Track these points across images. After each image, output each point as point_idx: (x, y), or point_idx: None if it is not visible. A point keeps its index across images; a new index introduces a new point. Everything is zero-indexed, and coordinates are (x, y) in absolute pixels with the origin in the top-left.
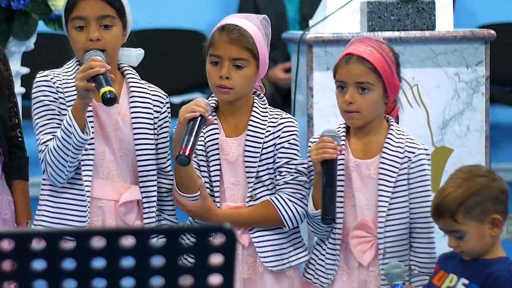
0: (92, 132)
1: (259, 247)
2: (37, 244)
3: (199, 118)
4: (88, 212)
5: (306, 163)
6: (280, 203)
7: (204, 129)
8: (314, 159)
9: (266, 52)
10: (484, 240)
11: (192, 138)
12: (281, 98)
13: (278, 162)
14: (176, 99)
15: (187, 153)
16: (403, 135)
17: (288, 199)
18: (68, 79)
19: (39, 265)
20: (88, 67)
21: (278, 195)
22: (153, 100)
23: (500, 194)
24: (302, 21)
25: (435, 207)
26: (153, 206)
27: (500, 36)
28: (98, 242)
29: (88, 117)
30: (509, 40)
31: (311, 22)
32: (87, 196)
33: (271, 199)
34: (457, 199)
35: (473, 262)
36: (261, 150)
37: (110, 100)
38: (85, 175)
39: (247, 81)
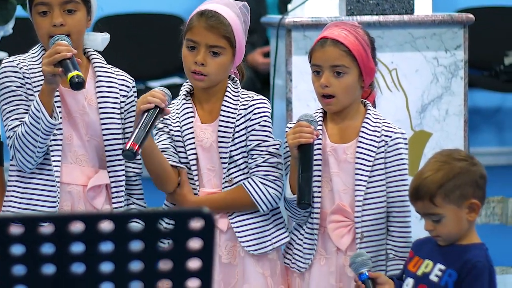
0: (60, 117)
1: (238, 231)
2: (15, 229)
3: (154, 109)
4: (58, 198)
5: (279, 144)
6: (252, 187)
7: (161, 120)
8: (290, 143)
9: (243, 40)
10: (461, 224)
11: (143, 133)
12: (261, 82)
13: (250, 145)
14: (155, 84)
15: (134, 149)
16: (380, 119)
17: (260, 182)
18: (34, 65)
19: (17, 250)
20: (54, 52)
21: (250, 178)
22: (119, 84)
23: (479, 179)
24: (281, 5)
25: (413, 189)
26: (121, 191)
27: (478, 20)
28: (76, 227)
29: (55, 102)
30: (488, 24)
31: (289, 7)
32: (56, 181)
33: (243, 183)
34: (437, 181)
35: (448, 247)
36: (233, 135)
37: (78, 85)
38: (54, 160)
39: (222, 68)
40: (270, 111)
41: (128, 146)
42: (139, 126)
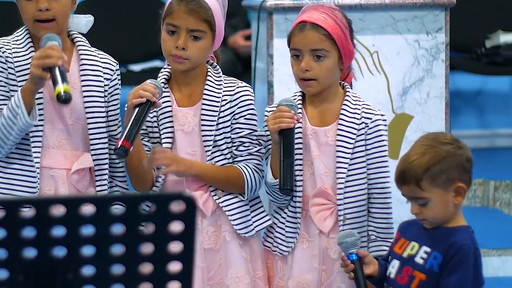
0: (42, 103)
1: (230, 214)
2: None
3: (145, 104)
4: (38, 183)
5: (265, 135)
6: (249, 173)
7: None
8: (271, 128)
9: (222, 24)
10: (447, 208)
11: (134, 129)
12: (242, 65)
13: (240, 132)
14: (136, 67)
15: (125, 147)
16: (360, 101)
17: (255, 171)
18: (18, 48)
19: None
20: (45, 55)
21: (246, 165)
22: (103, 67)
23: (465, 162)
24: None
25: (399, 173)
26: (105, 174)
27: (460, 3)
28: (58, 210)
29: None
30: (469, 7)
31: None
32: (36, 167)
33: (240, 167)
34: (423, 165)
35: (434, 230)
36: (218, 119)
37: (65, 101)
38: (34, 146)
39: (203, 52)
40: (254, 99)
41: (119, 144)
42: (131, 122)
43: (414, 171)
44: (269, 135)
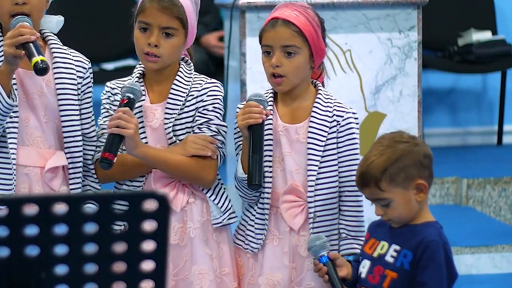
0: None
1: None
2: None
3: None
4: (14, 180)
5: (226, 126)
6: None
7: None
8: (240, 124)
9: (195, 21)
10: (410, 206)
11: (116, 138)
12: (215, 65)
13: (199, 120)
14: (109, 66)
15: (109, 159)
16: (331, 99)
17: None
18: None
19: None
20: (17, 33)
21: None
22: (76, 66)
23: (423, 158)
24: None
25: (359, 176)
26: (79, 172)
27: (432, 1)
28: (30, 209)
29: (12, 84)
30: (441, 5)
31: None
32: (13, 164)
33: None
34: (380, 166)
35: (402, 228)
36: (180, 115)
37: (42, 70)
38: (10, 143)
39: (175, 50)
40: (223, 95)
41: (103, 156)
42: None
43: (372, 173)
44: (239, 131)
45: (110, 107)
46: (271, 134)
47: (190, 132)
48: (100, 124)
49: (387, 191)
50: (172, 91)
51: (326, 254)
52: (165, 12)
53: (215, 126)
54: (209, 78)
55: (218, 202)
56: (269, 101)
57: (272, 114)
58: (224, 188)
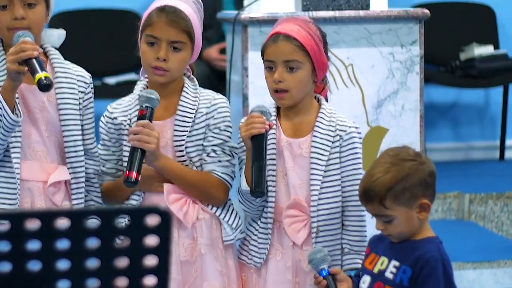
0: None
1: (224, 220)
2: None
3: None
4: (18, 195)
5: (238, 147)
6: (228, 182)
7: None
8: (243, 135)
9: (200, 36)
10: (412, 223)
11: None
12: (217, 78)
13: (213, 141)
14: (111, 80)
15: (136, 179)
16: (334, 114)
17: (224, 178)
18: None
19: None
20: (20, 50)
21: (218, 171)
22: (77, 80)
23: (428, 177)
24: (236, 0)
25: (362, 192)
26: (81, 187)
27: (434, 16)
28: (32, 224)
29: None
30: (443, 20)
31: (245, 2)
32: (17, 179)
33: (214, 172)
34: (386, 184)
35: (402, 243)
36: (191, 132)
37: (46, 86)
38: (14, 157)
39: (183, 64)
40: (230, 110)
41: (131, 176)
42: (139, 152)
43: (377, 190)
44: (243, 146)
45: (107, 134)
46: (274, 149)
47: (201, 149)
48: (99, 153)
49: (390, 209)
50: (180, 107)
51: (327, 267)
52: (173, 25)
53: (229, 148)
54: (215, 93)
55: (229, 220)
56: (272, 115)
57: (275, 128)
58: (232, 204)
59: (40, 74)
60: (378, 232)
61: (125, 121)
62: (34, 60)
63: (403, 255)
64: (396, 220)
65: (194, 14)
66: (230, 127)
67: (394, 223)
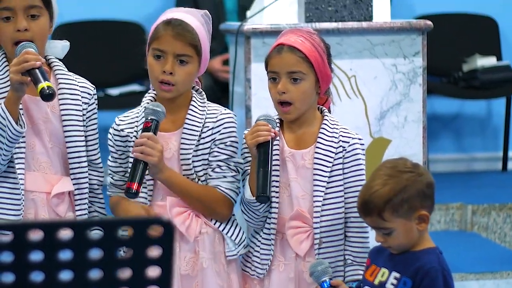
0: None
1: (227, 234)
2: None
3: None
4: (22, 206)
5: (243, 162)
6: (232, 198)
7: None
8: (249, 143)
9: (208, 49)
10: (411, 235)
11: (145, 170)
12: (220, 90)
13: (218, 156)
14: (114, 91)
15: (137, 190)
16: (337, 125)
17: (227, 193)
18: None
19: None
20: (22, 60)
21: (222, 186)
22: (81, 91)
23: (426, 188)
24: (240, 12)
25: (361, 204)
26: (85, 198)
27: (437, 27)
28: (35, 235)
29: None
30: (446, 31)
31: (248, 13)
32: (21, 190)
33: (219, 187)
34: (384, 197)
35: (402, 255)
36: (197, 146)
37: (48, 96)
38: (18, 168)
39: (190, 77)
40: (237, 125)
41: (133, 188)
42: (142, 164)
43: (375, 203)
44: (246, 157)
45: (114, 146)
46: (277, 160)
47: (206, 164)
48: (108, 165)
49: (389, 221)
50: (187, 121)
51: (328, 279)
52: (180, 39)
53: (234, 164)
54: (223, 108)
55: (232, 235)
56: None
57: (278, 140)
58: (236, 219)
59: (43, 84)
60: (379, 243)
61: (131, 133)
62: (37, 70)
63: (403, 267)
64: (396, 232)
65: (201, 27)
66: (236, 142)
67: (394, 235)
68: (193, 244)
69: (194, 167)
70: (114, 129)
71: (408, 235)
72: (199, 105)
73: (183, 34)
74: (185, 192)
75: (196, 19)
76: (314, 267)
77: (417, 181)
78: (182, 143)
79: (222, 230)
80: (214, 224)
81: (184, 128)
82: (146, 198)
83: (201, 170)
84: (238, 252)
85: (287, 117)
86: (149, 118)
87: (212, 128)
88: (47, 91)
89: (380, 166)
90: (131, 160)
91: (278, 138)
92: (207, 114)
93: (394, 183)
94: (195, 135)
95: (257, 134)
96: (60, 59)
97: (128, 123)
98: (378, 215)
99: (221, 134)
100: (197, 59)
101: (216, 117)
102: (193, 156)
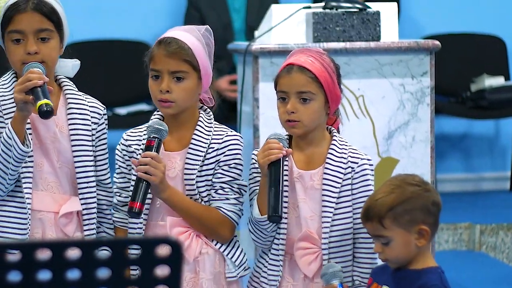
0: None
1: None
2: None
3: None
4: (29, 225)
5: (246, 186)
6: (234, 220)
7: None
8: (261, 162)
9: (208, 63)
10: (409, 249)
11: (148, 189)
12: (228, 110)
13: (222, 178)
14: (122, 110)
15: (140, 209)
16: (346, 145)
17: (229, 215)
18: (5, 92)
19: None
20: (26, 80)
21: (224, 208)
22: (91, 111)
23: (431, 205)
24: (248, 32)
25: (364, 210)
26: (93, 218)
27: (445, 47)
28: (43, 255)
29: (26, 129)
30: (454, 51)
31: (256, 33)
32: (28, 209)
33: (220, 209)
34: (387, 204)
35: (403, 272)
36: (201, 167)
37: (46, 113)
38: (25, 187)
39: (189, 93)
40: (242, 148)
41: (135, 207)
42: (145, 183)
43: (377, 209)
44: (255, 177)
45: (124, 162)
46: (286, 180)
47: (210, 184)
48: (115, 182)
49: (389, 229)
50: (193, 141)
51: (340, 282)
52: (172, 57)
53: (237, 186)
54: (229, 130)
55: (232, 256)
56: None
57: (287, 160)
58: (237, 241)
59: (42, 101)
60: (382, 263)
61: (137, 149)
62: (38, 89)
63: (405, 285)
64: (393, 243)
65: (197, 43)
66: (241, 165)
67: (391, 245)
68: (193, 264)
69: (197, 187)
70: (123, 144)
71: (406, 248)
72: (205, 126)
73: (175, 52)
74: (186, 212)
75: (191, 36)
76: (325, 269)
77: (423, 196)
78: (186, 163)
79: (223, 251)
80: (215, 244)
81: (189, 148)
82: (142, 217)
83: (204, 191)
84: (238, 274)
85: (294, 131)
86: (151, 137)
87: (217, 149)
88: (45, 108)
89: (390, 178)
90: (133, 177)
91: (287, 158)
92: (213, 135)
93: (400, 193)
94: (200, 156)
95: (268, 153)
96: (70, 78)
97: (136, 140)
98: (378, 221)
99: (225, 155)
100: (195, 74)
101: (221, 139)
102: (197, 176)
